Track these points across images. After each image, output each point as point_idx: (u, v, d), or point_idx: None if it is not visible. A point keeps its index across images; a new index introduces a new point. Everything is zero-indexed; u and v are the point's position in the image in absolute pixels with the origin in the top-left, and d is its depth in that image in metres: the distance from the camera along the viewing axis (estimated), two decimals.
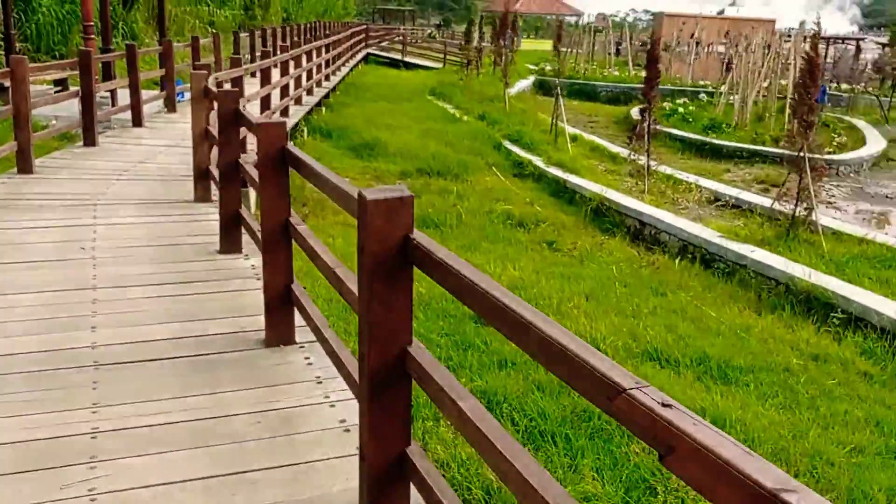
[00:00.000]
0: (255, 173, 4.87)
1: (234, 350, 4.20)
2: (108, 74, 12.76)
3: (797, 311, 7.57)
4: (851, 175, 17.78)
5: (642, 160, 13.64)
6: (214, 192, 7.47)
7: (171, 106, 13.29)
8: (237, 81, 9.96)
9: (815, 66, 9.45)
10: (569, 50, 40.03)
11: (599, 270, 8.26)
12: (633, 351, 6.01)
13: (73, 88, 11.29)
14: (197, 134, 7.33)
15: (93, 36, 12.37)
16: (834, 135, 19.86)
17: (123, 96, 12.15)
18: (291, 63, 13.60)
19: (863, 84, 31.54)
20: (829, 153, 18.54)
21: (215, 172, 7.19)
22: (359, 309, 2.59)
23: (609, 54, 40.60)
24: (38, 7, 20.46)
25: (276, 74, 12.89)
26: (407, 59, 37.05)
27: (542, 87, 32.89)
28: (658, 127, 13.34)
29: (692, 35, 49.72)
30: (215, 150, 7.53)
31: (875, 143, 19.99)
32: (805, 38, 25.11)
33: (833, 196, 15.46)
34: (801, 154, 9.66)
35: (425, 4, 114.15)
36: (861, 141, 20.20)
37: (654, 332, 6.32)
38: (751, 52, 23.22)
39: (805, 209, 9.59)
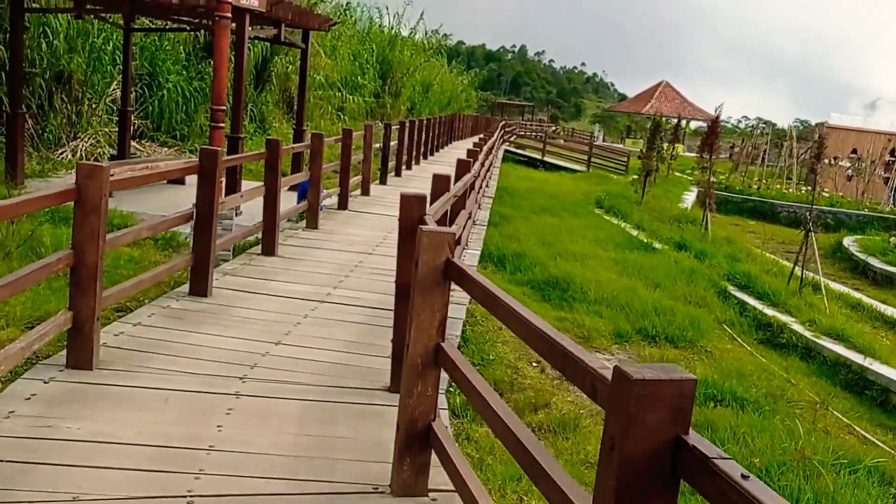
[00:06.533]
0: None
1: None
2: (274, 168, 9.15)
3: None
4: None
5: None
6: None
7: (312, 220, 9.75)
8: (455, 213, 6.19)
9: None
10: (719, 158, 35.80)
11: None
12: None
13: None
14: (403, 288, 3.51)
15: (222, 122, 9.09)
16: None
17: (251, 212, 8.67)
18: (477, 167, 9.90)
19: None
20: None
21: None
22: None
23: (772, 167, 36.01)
24: (165, 82, 17.94)
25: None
26: (546, 158, 33.60)
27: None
28: None
29: (853, 151, 44.74)
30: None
31: None
32: None
33: None
34: None
35: (535, 100, 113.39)
36: None
37: None
38: None
39: None
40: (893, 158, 39.81)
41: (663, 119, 25.09)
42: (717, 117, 17.20)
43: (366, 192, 13.27)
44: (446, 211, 5.66)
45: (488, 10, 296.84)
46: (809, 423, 8.15)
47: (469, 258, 9.05)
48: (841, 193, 35.31)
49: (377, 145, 17.30)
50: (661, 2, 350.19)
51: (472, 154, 9.58)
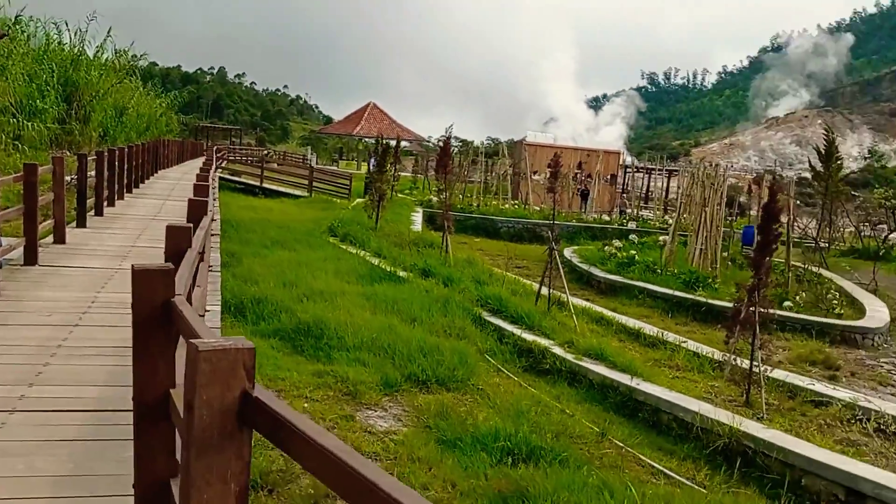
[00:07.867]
0: None
1: None
2: None
3: None
4: (875, 345, 14.65)
5: (737, 359, 9.47)
6: None
7: None
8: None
9: None
10: (422, 177, 36.72)
11: None
12: None
13: None
14: (145, 408, 2.05)
15: None
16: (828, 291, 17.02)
17: None
18: (212, 205, 8.21)
19: None
20: (839, 315, 15.56)
21: None
22: None
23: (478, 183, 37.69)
24: None
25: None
26: (265, 184, 31.81)
27: (432, 222, 28.84)
28: (770, 311, 9.20)
29: (549, 165, 48.70)
30: None
31: (864, 297, 17.39)
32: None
33: None
34: None
35: (240, 123, 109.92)
36: (850, 298, 17.50)
37: None
38: (700, 186, 20.32)
39: None
40: (579, 171, 43.87)
41: (382, 140, 24.71)
42: (449, 138, 17.05)
43: (60, 239, 10.82)
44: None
45: (181, 30, 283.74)
46: (598, 458, 7.76)
47: (211, 317, 7.36)
48: (543, 205, 38.03)
49: (69, 177, 14.51)
50: (361, 26, 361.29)
51: (202, 189, 7.91)
